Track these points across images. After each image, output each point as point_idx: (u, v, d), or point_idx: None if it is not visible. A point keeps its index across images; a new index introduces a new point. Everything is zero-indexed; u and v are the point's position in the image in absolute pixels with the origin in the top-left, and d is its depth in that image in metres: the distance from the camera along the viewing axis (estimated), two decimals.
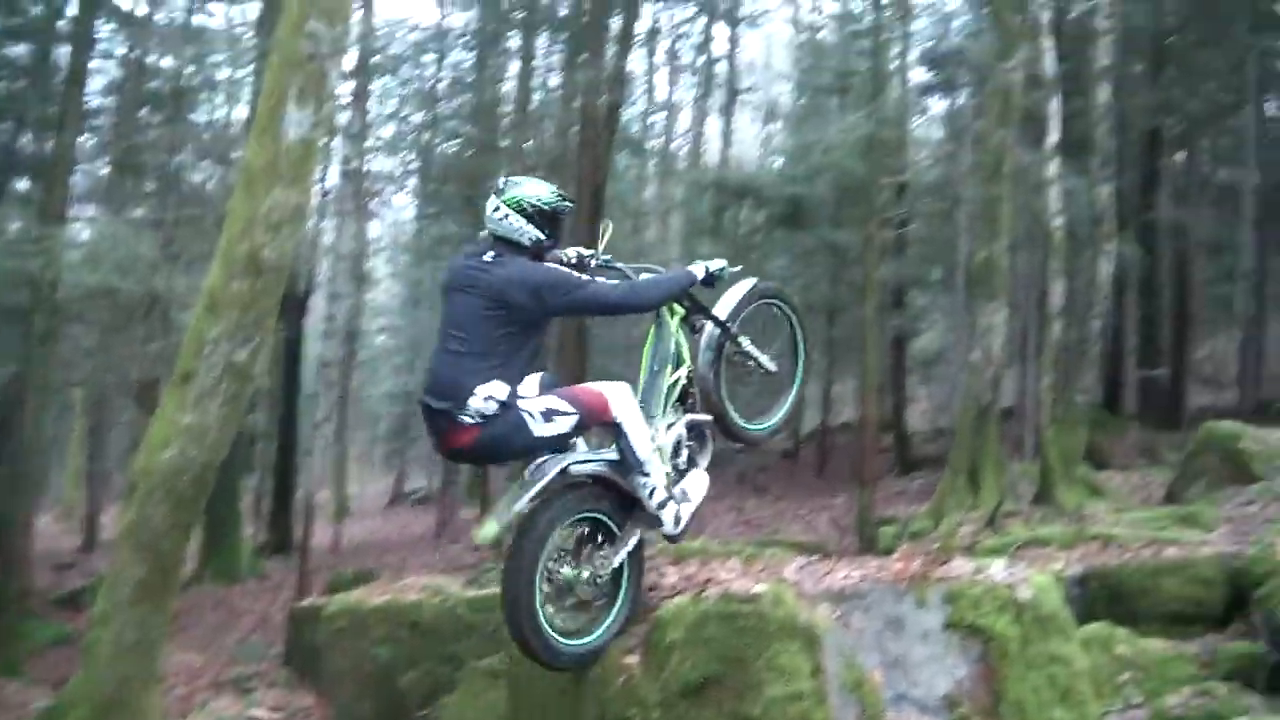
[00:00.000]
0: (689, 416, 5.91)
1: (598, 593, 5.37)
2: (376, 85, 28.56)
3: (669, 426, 5.77)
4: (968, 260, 20.26)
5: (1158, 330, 30.20)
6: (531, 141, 27.63)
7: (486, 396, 5.07)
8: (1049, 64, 15.55)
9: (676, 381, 5.86)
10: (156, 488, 7.40)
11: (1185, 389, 29.07)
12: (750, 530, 19.67)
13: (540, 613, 5.07)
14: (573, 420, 5.24)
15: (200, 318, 7.55)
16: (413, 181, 32.02)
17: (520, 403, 5.16)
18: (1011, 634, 5.53)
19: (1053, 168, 15.18)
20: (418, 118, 30.83)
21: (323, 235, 26.70)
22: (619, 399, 5.36)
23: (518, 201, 5.32)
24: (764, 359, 6.27)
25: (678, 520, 5.54)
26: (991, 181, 14.99)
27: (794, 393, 6.63)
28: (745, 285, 6.28)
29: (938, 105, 32.78)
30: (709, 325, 6.04)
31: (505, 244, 5.35)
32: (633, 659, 5.20)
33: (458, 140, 29.86)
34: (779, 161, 34.50)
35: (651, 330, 5.95)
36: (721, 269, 5.87)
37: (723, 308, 6.10)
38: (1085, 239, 17.26)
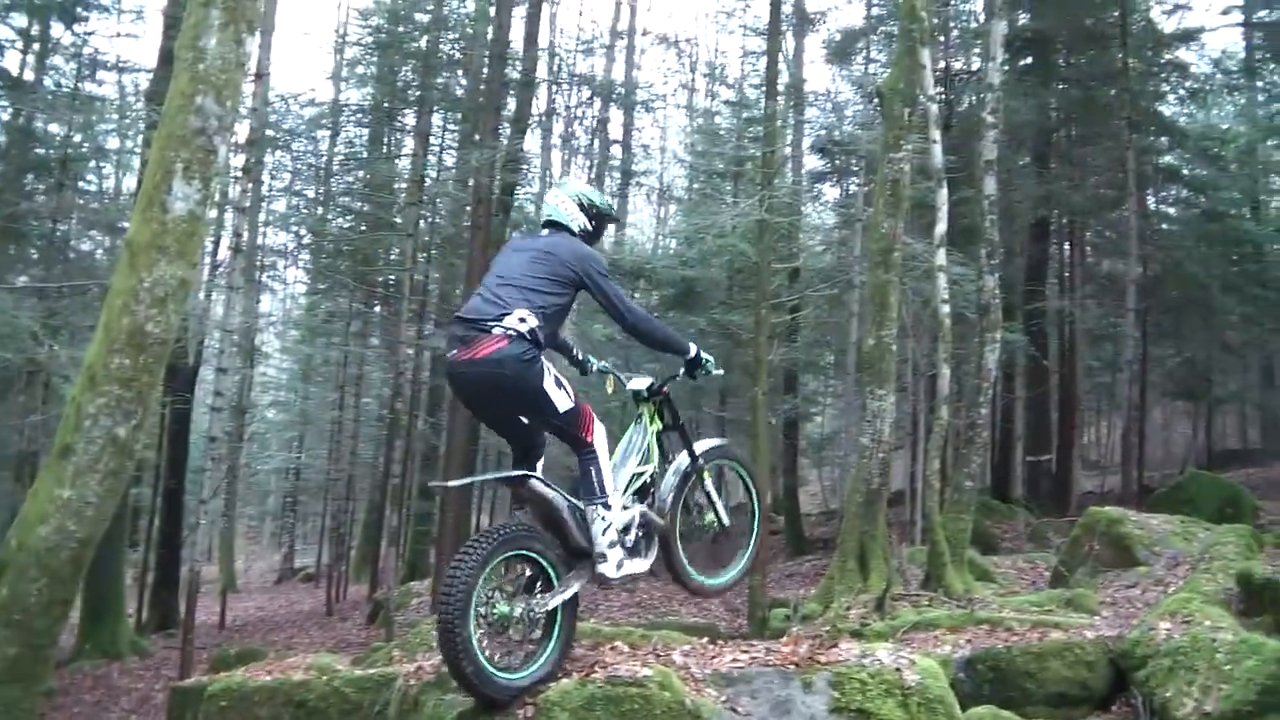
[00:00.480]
0: (643, 509, 6.15)
1: (529, 632, 5.61)
2: (269, 159, 28.38)
3: (624, 509, 6.01)
4: (858, 345, 20.49)
5: (1045, 417, 30.78)
6: (425, 220, 27.60)
7: (521, 318, 5.58)
8: (936, 155, 15.85)
9: (641, 475, 6.27)
10: (31, 564, 7.20)
11: (1072, 474, 29.58)
12: (642, 612, 19.55)
13: (473, 640, 5.25)
14: (571, 404, 5.76)
15: (80, 391, 7.40)
16: (305, 256, 31.73)
17: (543, 355, 5.70)
18: (898, 717, 5.56)
19: (940, 256, 15.43)
20: (311, 193, 30.63)
21: (212, 309, 26.38)
22: (601, 432, 5.89)
23: (575, 195, 6.16)
24: (721, 509, 6.61)
25: (619, 565, 5.84)
26: (881, 268, 15.16)
27: (741, 563, 6.90)
28: (717, 440, 6.91)
29: (830, 192, 33.36)
30: (682, 455, 6.41)
31: (557, 227, 6.09)
32: None
33: (351, 216, 29.72)
34: (673, 244, 34.78)
35: (631, 425, 6.41)
36: (709, 360, 6.34)
37: (697, 447, 6.50)
38: (974, 326, 17.53)
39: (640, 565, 6.05)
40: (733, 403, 28.51)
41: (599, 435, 5.89)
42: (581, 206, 6.10)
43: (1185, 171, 31.62)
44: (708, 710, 5.25)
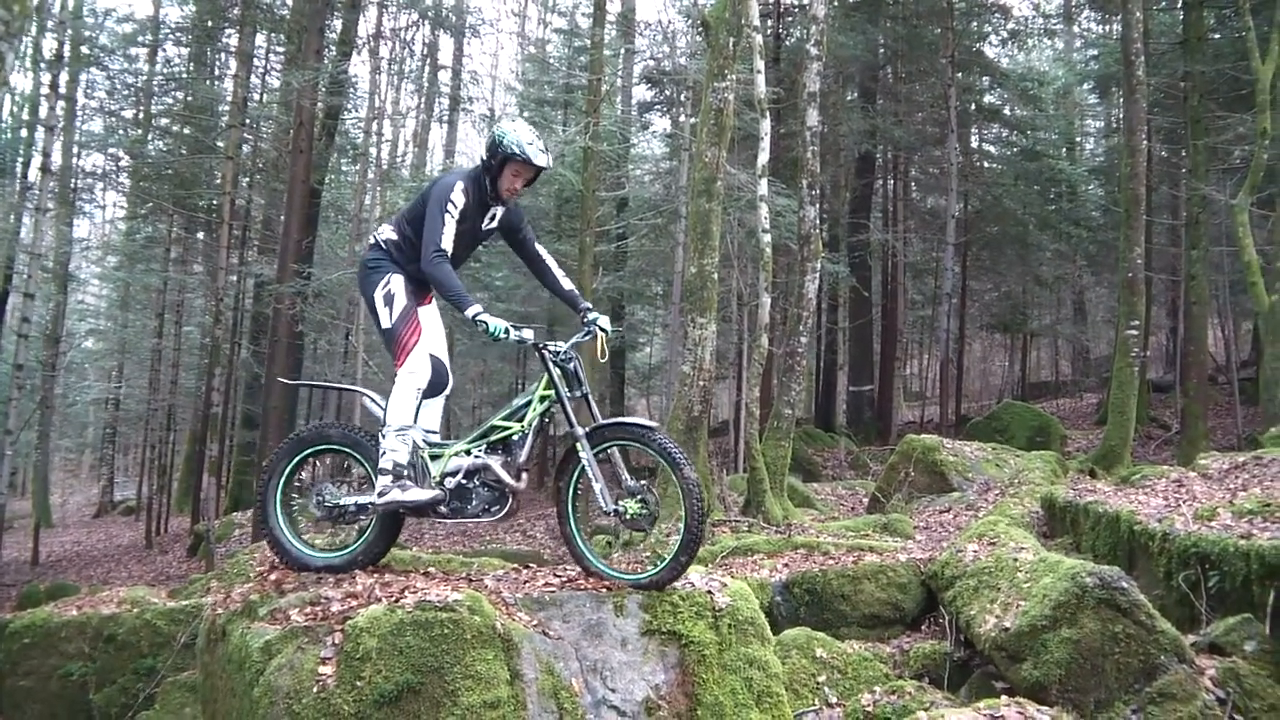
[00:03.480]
0: (487, 461, 5.90)
1: (327, 518, 5.99)
2: (83, 77, 27.35)
3: (462, 453, 5.95)
4: (683, 274, 20.59)
5: (868, 348, 31.44)
6: (248, 143, 26.92)
7: (384, 232, 6.24)
8: (761, 86, 15.90)
9: (504, 430, 5.96)
10: None
11: (893, 404, 30.32)
12: (468, 540, 19.57)
13: (278, 509, 5.89)
14: (389, 325, 5.96)
15: None
16: (123, 180, 30.70)
17: (392, 270, 6.08)
18: (709, 639, 5.63)
19: (763, 186, 15.52)
20: (128, 113, 29.58)
21: (24, 233, 25.43)
22: (414, 365, 5.91)
23: (492, 133, 6.19)
24: (600, 492, 5.79)
25: (383, 493, 5.73)
26: (704, 197, 15.19)
27: (662, 563, 5.82)
28: (630, 420, 5.98)
29: (659, 122, 33.39)
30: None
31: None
32: (327, 669, 5.03)
33: (170, 139, 28.82)
34: None
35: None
36: (486, 326, 5.66)
37: (586, 424, 5.91)
38: (796, 256, 17.73)
39: (417, 495, 5.73)
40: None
41: (410, 367, 5.90)
42: (488, 141, 6.14)
43: (1006, 111, 32.46)
44: (518, 634, 5.24)
